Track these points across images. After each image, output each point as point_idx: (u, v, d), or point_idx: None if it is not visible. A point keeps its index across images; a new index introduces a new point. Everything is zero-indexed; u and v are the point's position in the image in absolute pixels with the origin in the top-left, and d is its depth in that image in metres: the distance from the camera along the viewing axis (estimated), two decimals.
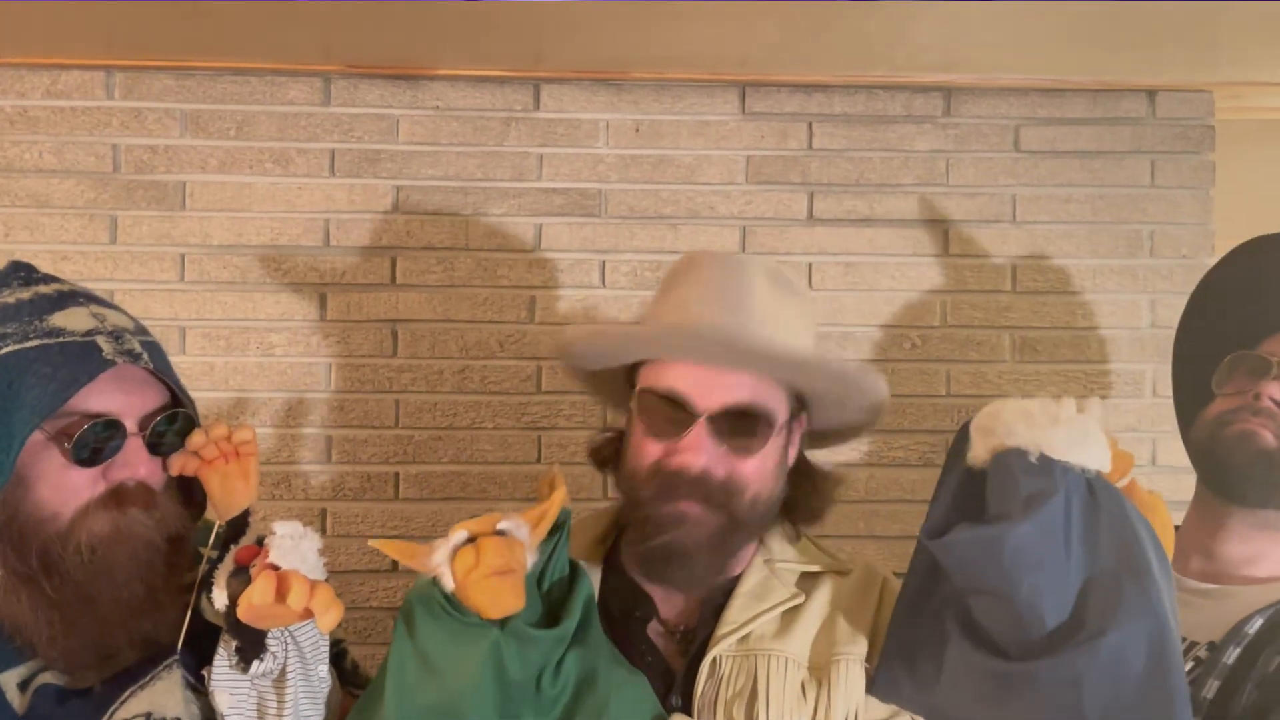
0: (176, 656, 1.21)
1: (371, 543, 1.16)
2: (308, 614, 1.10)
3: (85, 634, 1.16)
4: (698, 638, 1.29)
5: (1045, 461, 1.15)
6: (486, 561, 1.11)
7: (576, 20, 1.72)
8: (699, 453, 1.23)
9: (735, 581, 1.32)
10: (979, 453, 1.19)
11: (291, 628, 1.16)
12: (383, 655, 1.97)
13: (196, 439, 1.25)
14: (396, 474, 2.01)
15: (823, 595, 1.32)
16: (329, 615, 1.09)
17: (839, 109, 2.06)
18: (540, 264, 2.03)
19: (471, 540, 1.14)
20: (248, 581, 1.12)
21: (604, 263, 2.03)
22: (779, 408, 1.27)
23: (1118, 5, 1.64)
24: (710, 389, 1.23)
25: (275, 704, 1.19)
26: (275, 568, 1.10)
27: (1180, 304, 1.64)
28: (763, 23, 1.73)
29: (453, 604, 1.16)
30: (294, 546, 1.13)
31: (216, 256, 1.99)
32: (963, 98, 2.07)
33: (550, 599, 1.24)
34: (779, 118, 2.05)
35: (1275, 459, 1.35)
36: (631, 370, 1.34)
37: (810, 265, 2.05)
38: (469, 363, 2.01)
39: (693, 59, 1.94)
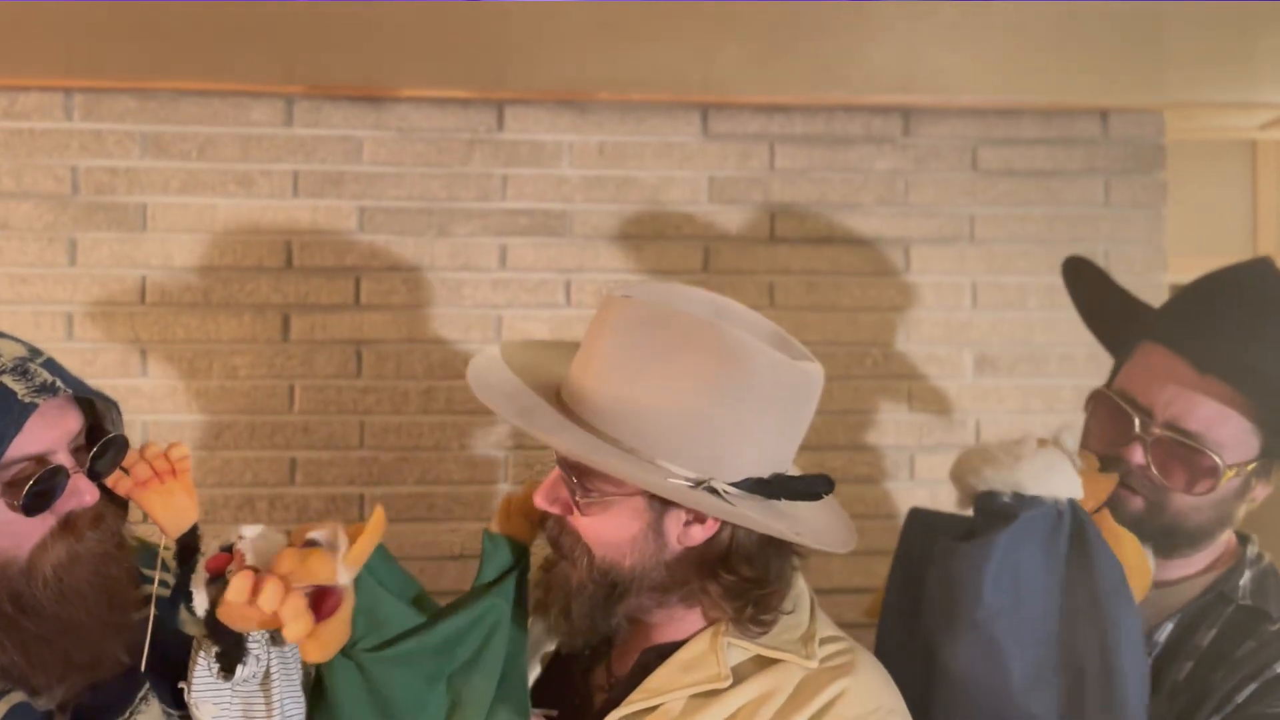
0: (149, 685, 1.20)
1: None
2: (279, 621, 1.09)
3: (76, 658, 1.15)
4: (619, 694, 1.22)
5: (1018, 499, 1.20)
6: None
7: (540, 43, 1.74)
8: (542, 492, 1.20)
9: (679, 645, 1.22)
10: (962, 501, 1.26)
11: (272, 630, 1.16)
12: None
13: (129, 459, 1.23)
14: (362, 496, 2.00)
15: (757, 686, 1.17)
16: (297, 624, 1.09)
17: (799, 130, 2.08)
18: (505, 284, 2.03)
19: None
20: (226, 587, 1.12)
21: (569, 282, 2.04)
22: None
23: (1070, 28, 1.68)
24: None
25: (264, 707, 1.18)
26: (255, 570, 1.11)
27: None
28: (724, 46, 1.75)
29: None
30: (265, 548, 1.14)
31: (179, 278, 1.98)
32: (921, 118, 2.10)
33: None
34: (741, 139, 2.07)
35: (1150, 522, 1.30)
36: None
37: (772, 284, 2.07)
38: (434, 383, 2.01)
39: (655, 81, 1.96)
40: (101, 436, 1.18)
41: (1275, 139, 2.43)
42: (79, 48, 1.79)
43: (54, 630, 1.13)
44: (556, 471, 1.20)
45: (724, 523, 1.15)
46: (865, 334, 2.08)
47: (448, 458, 2.01)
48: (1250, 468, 1.29)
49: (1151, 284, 2.10)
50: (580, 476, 1.16)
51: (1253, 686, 1.23)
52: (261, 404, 1.99)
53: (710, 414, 1.11)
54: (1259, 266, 1.34)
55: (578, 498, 1.16)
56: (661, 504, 1.15)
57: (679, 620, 1.22)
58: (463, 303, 2.02)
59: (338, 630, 1.13)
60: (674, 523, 1.16)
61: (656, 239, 2.06)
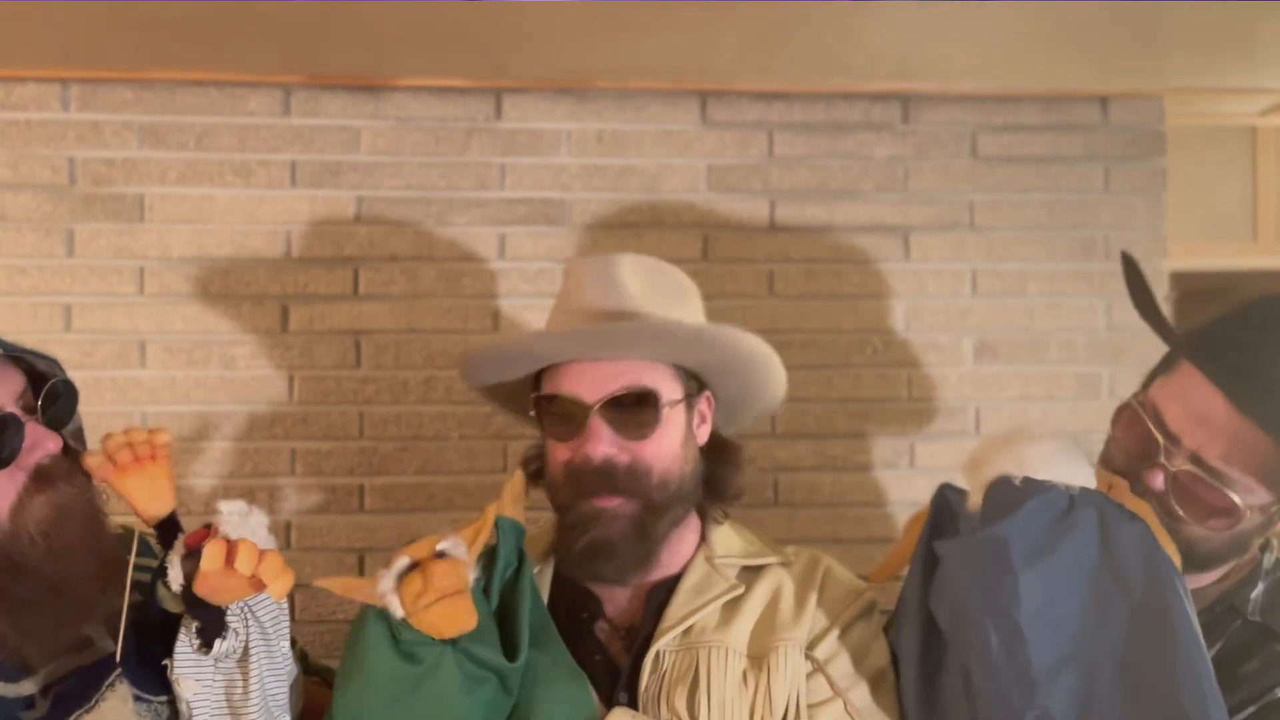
0: (119, 671, 1.20)
1: (316, 583, 1.22)
2: (259, 584, 1.11)
3: (65, 627, 1.16)
4: (641, 634, 1.33)
5: (1028, 484, 1.18)
6: (436, 585, 1.16)
7: (538, 30, 1.73)
8: (597, 443, 1.30)
9: (678, 579, 1.37)
10: (974, 498, 1.22)
11: (250, 602, 1.16)
12: None
13: (113, 444, 1.23)
14: (361, 486, 2.00)
15: (764, 586, 1.36)
16: (279, 582, 1.12)
17: (799, 117, 2.08)
18: (504, 274, 2.03)
19: (414, 566, 1.18)
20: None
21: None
22: (667, 386, 1.34)
23: (1069, 14, 1.67)
24: (595, 381, 1.31)
25: (241, 684, 1.18)
26: (227, 539, 1.12)
27: None
28: (723, 33, 1.74)
29: (406, 629, 1.19)
30: (242, 522, 1.15)
31: (177, 269, 1.97)
32: (920, 105, 2.09)
33: (501, 612, 1.28)
34: (740, 126, 2.07)
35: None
36: (536, 382, 1.40)
37: (772, 272, 2.07)
38: (434, 373, 2.01)
39: (654, 69, 1.95)
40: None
41: (1275, 125, 2.42)
42: (76, 38, 1.78)
43: (44, 593, 1.13)
44: (595, 422, 1.30)
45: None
46: (865, 322, 2.08)
47: (448, 448, 2.01)
48: (1275, 509, 1.25)
49: (1152, 270, 2.08)
50: (640, 402, 1.31)
51: (1252, 709, 1.21)
52: (260, 395, 1.98)
53: (680, 302, 1.42)
54: None
55: (662, 413, 1.31)
56: (687, 405, 1.37)
57: (671, 551, 1.37)
58: (462, 292, 2.02)
59: (463, 609, 1.18)
60: (696, 420, 1.39)
61: (655, 227, 2.05)
